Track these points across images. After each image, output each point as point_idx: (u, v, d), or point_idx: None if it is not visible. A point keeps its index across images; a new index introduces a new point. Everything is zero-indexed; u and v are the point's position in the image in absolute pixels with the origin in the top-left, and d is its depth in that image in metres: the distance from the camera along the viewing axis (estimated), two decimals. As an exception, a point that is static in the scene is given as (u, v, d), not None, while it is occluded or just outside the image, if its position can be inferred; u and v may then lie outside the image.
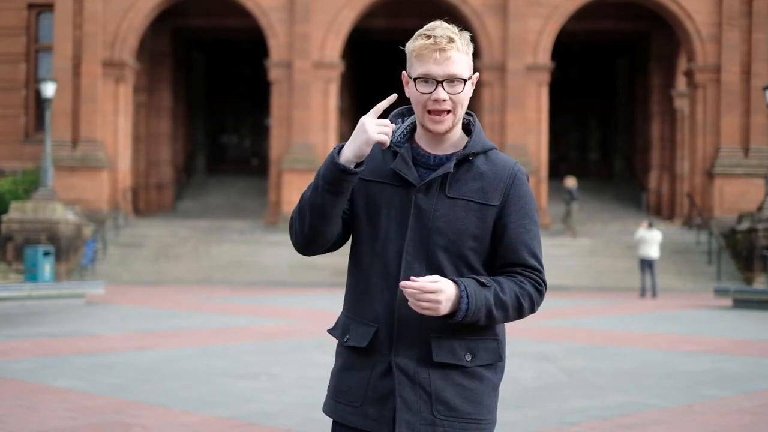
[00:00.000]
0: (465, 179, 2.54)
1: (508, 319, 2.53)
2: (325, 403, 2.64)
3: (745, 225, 26.12)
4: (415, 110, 2.57)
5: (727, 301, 19.68)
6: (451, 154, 2.56)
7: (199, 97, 38.26)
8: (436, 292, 2.39)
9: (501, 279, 2.52)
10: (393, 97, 2.49)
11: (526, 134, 29.30)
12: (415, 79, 2.52)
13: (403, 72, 2.61)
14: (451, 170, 2.52)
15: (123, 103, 29.63)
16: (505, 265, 2.55)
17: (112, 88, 29.32)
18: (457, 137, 2.60)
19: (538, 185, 29.12)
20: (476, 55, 29.77)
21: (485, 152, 2.58)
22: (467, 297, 2.42)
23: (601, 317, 16.60)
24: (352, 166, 2.45)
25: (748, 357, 11.02)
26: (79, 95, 29.06)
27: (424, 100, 2.51)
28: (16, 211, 25.57)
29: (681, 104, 33.16)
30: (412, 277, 2.41)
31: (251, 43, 33.65)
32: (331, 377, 2.65)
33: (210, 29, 34.67)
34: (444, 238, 2.49)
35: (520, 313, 2.54)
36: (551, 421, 6.88)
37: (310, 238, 2.56)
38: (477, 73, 2.60)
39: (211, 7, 31.98)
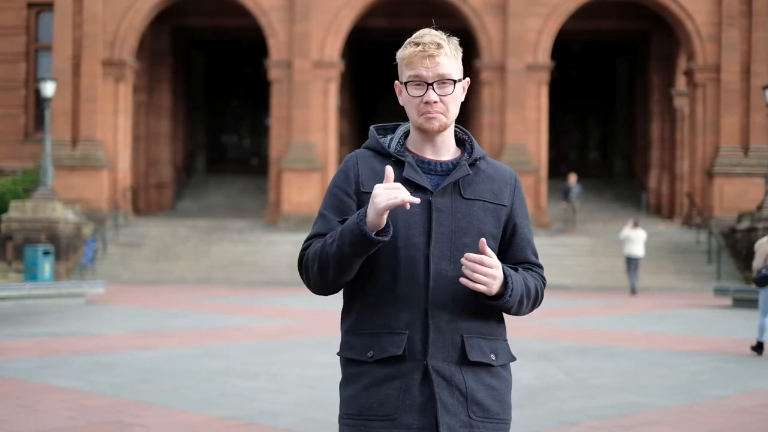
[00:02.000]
0: (476, 182, 2.62)
1: (524, 310, 2.62)
2: (343, 426, 2.56)
3: (744, 224, 26.11)
4: (408, 114, 2.62)
5: (727, 301, 19.68)
6: (456, 159, 2.63)
7: (199, 97, 38.25)
8: (494, 267, 2.46)
9: (521, 270, 2.64)
10: (416, 200, 2.43)
11: (526, 134, 29.31)
12: (406, 83, 2.59)
13: (396, 82, 2.67)
14: (470, 172, 2.60)
15: (123, 103, 29.63)
16: (516, 264, 2.66)
17: (112, 88, 29.32)
18: (451, 144, 2.67)
19: (538, 185, 29.13)
20: (476, 55, 29.80)
21: (483, 158, 2.70)
22: (511, 279, 2.52)
23: (600, 317, 16.60)
24: (377, 233, 2.44)
25: (748, 357, 11.01)
26: (79, 95, 29.06)
27: (416, 102, 2.58)
28: (16, 211, 25.57)
29: (681, 104, 33.16)
30: (471, 255, 2.46)
31: (251, 43, 33.65)
32: (351, 399, 2.56)
33: (210, 29, 34.66)
34: (468, 237, 2.56)
35: (534, 304, 2.66)
36: (551, 421, 6.88)
37: (331, 287, 2.58)
38: (468, 78, 2.67)
39: (211, 6, 31.97)
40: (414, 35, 2.61)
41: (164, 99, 34.27)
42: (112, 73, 29.23)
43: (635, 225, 23.18)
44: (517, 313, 2.60)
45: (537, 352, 11.03)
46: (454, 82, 2.58)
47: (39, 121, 31.52)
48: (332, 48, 29.28)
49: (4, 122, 32.67)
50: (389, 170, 2.45)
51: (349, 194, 2.59)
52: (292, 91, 29.25)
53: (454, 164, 2.61)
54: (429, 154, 2.63)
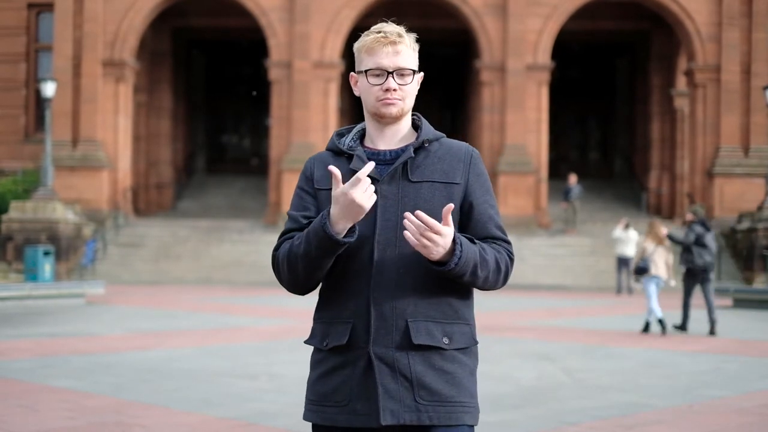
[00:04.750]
0: (425, 164, 2.63)
1: (487, 282, 2.59)
2: (306, 411, 2.64)
3: (745, 225, 26.12)
4: (366, 102, 2.65)
5: (727, 301, 19.68)
6: (404, 146, 2.65)
7: (199, 97, 38.25)
8: (440, 234, 2.44)
9: (481, 243, 2.61)
10: (371, 164, 2.47)
11: (526, 134, 29.30)
12: (366, 72, 2.61)
13: (352, 73, 2.70)
14: (413, 155, 2.60)
15: (123, 103, 29.63)
16: (480, 240, 2.63)
17: (112, 88, 29.32)
18: (406, 132, 2.68)
19: (538, 185, 29.13)
20: (476, 55, 29.81)
21: (438, 139, 2.68)
22: (461, 247, 2.49)
23: (601, 317, 16.59)
24: (343, 235, 2.49)
25: (748, 357, 11.02)
26: (79, 95, 29.07)
27: (375, 90, 2.61)
28: (16, 211, 25.57)
29: (681, 104, 33.16)
30: (420, 213, 2.44)
31: (251, 43, 33.65)
32: (311, 386, 2.64)
33: (210, 29, 34.67)
34: None
35: (497, 277, 2.61)
36: (551, 421, 6.88)
37: (304, 287, 2.64)
38: (422, 73, 2.69)
39: (211, 7, 31.98)
40: (372, 27, 2.66)
41: (164, 99, 34.27)
42: (112, 74, 29.24)
43: (627, 226, 23.32)
44: (475, 284, 2.57)
45: (537, 352, 11.03)
46: (413, 72, 2.62)
47: (39, 122, 31.52)
48: (332, 48, 29.29)
49: (5, 122, 32.67)
50: (334, 170, 2.45)
51: (309, 192, 2.66)
52: (292, 91, 29.25)
53: (402, 151, 2.63)
54: (382, 145, 2.66)
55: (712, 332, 13.34)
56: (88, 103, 28.95)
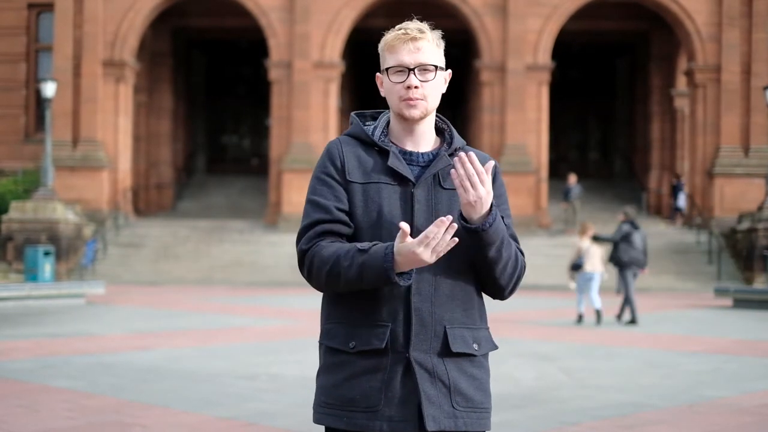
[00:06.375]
0: None
1: (506, 269, 2.55)
2: (323, 416, 2.55)
3: (745, 225, 26.11)
4: (390, 102, 2.62)
5: (728, 301, 19.68)
6: (435, 150, 2.64)
7: (199, 97, 38.25)
8: (487, 190, 2.44)
9: None
10: (406, 227, 2.40)
11: (526, 134, 29.30)
12: (387, 70, 2.59)
13: (377, 74, 2.67)
14: (450, 163, 2.58)
15: (123, 103, 29.64)
16: None
17: (113, 88, 29.33)
18: (433, 136, 2.67)
19: (538, 185, 29.13)
20: (476, 55, 29.80)
21: (462, 147, 2.68)
22: (495, 212, 2.48)
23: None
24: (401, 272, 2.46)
25: (748, 357, 11.02)
26: (79, 95, 29.08)
27: (398, 89, 2.57)
28: (16, 211, 25.57)
29: (681, 104, 33.17)
30: (472, 155, 2.45)
31: (251, 43, 33.65)
32: (331, 390, 2.55)
33: (210, 29, 34.68)
34: (450, 227, 2.52)
35: (514, 270, 2.58)
36: (551, 421, 6.88)
37: (340, 292, 2.58)
38: (450, 71, 2.67)
39: (211, 7, 31.99)
40: (396, 26, 2.64)
41: (165, 99, 34.28)
42: (112, 74, 29.25)
43: None
44: (497, 263, 2.51)
45: (537, 352, 11.03)
46: (436, 68, 2.59)
47: (39, 122, 31.53)
48: (332, 48, 29.29)
49: (5, 122, 32.68)
50: (404, 227, 2.38)
51: (341, 183, 2.57)
52: (292, 91, 29.26)
53: (434, 155, 2.62)
54: (409, 145, 2.63)
55: (632, 321, 14.81)
56: (88, 103, 28.96)
